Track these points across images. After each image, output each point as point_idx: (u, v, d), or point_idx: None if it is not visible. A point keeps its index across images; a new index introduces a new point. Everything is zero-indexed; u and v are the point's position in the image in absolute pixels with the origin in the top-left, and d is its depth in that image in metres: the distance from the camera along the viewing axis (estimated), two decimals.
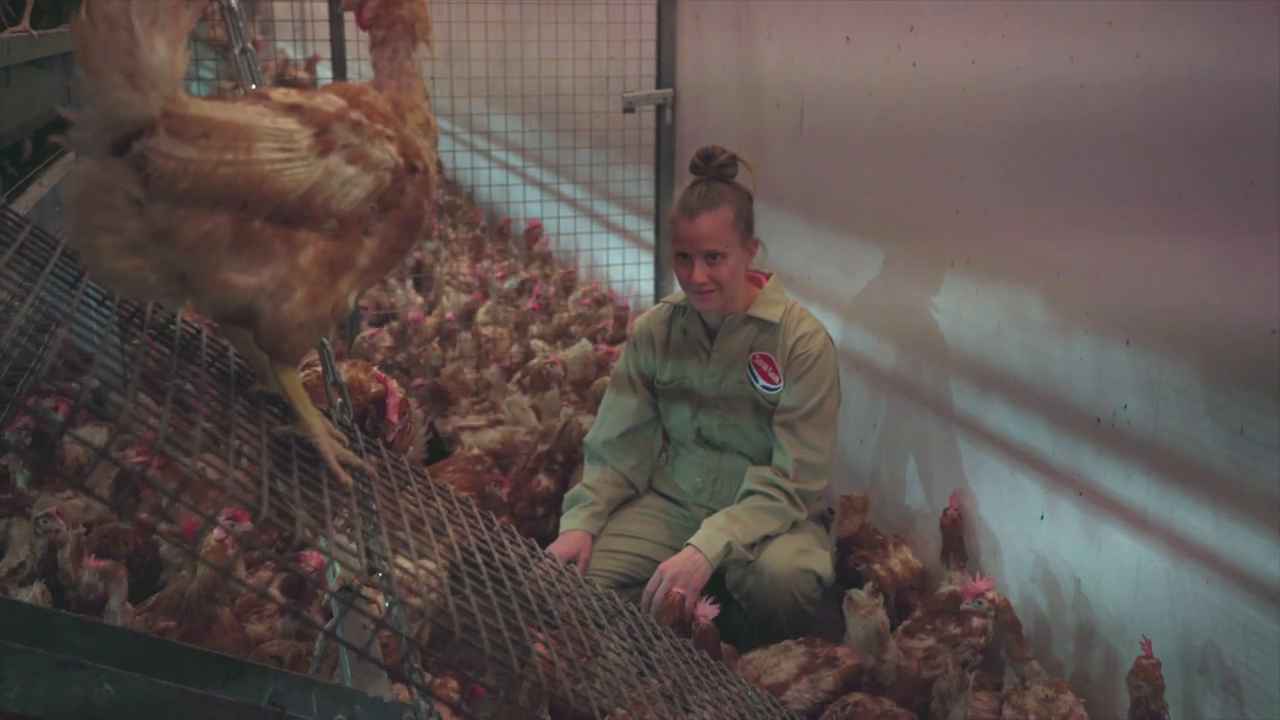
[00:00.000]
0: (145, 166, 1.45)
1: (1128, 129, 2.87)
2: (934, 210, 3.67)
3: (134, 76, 1.41)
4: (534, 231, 7.21)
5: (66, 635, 1.70)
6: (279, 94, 1.64)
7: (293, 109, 1.60)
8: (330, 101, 1.65)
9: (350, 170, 1.60)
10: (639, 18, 5.72)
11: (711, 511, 3.51)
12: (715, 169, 3.42)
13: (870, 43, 3.97)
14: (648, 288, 6.08)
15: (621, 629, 1.88)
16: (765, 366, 3.48)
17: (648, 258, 6.10)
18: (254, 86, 1.83)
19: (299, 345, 1.65)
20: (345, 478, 1.63)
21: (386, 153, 1.66)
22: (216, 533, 2.99)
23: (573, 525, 3.56)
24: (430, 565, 1.53)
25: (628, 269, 6.18)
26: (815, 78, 4.40)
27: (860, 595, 3.14)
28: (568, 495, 3.73)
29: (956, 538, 3.50)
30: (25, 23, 3.44)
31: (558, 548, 3.46)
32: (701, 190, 3.39)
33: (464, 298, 6.20)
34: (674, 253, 3.46)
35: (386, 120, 1.69)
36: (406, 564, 1.47)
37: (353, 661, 1.90)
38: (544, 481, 4.00)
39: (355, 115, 1.64)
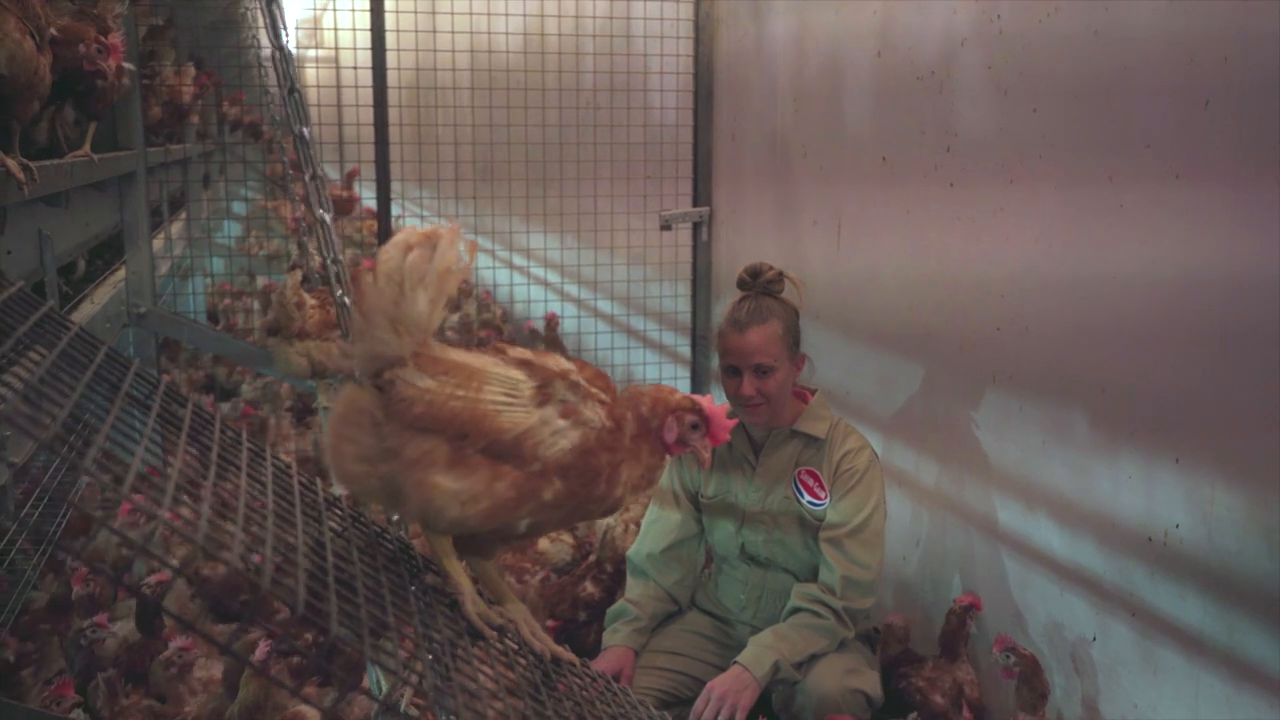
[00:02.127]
0: (390, 391, 1.70)
1: (1170, 248, 2.90)
2: (974, 327, 3.68)
3: (395, 322, 1.69)
4: (552, 322, 7.46)
5: None
6: (515, 351, 1.89)
7: (523, 363, 1.83)
8: (558, 362, 1.88)
9: (562, 423, 1.78)
10: (675, 138, 5.85)
11: (756, 629, 3.46)
12: (763, 285, 3.47)
13: (907, 162, 4.04)
14: None
15: None
16: (811, 482, 3.47)
17: (684, 373, 6.13)
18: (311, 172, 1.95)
19: (458, 530, 1.84)
20: (490, 633, 1.80)
21: (596, 413, 1.83)
22: (260, 653, 2.99)
23: (616, 641, 3.52)
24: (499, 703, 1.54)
25: (665, 384, 6.20)
26: (851, 197, 4.47)
27: None
28: (610, 610, 3.69)
29: (1036, 678, 3.27)
30: (86, 148, 3.55)
31: (600, 663, 3.41)
32: (750, 305, 3.44)
33: None
34: (722, 366, 3.50)
35: (605, 388, 1.88)
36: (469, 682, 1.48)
37: None
38: (589, 588, 3.99)
39: (576, 377, 1.84)
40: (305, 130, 2.17)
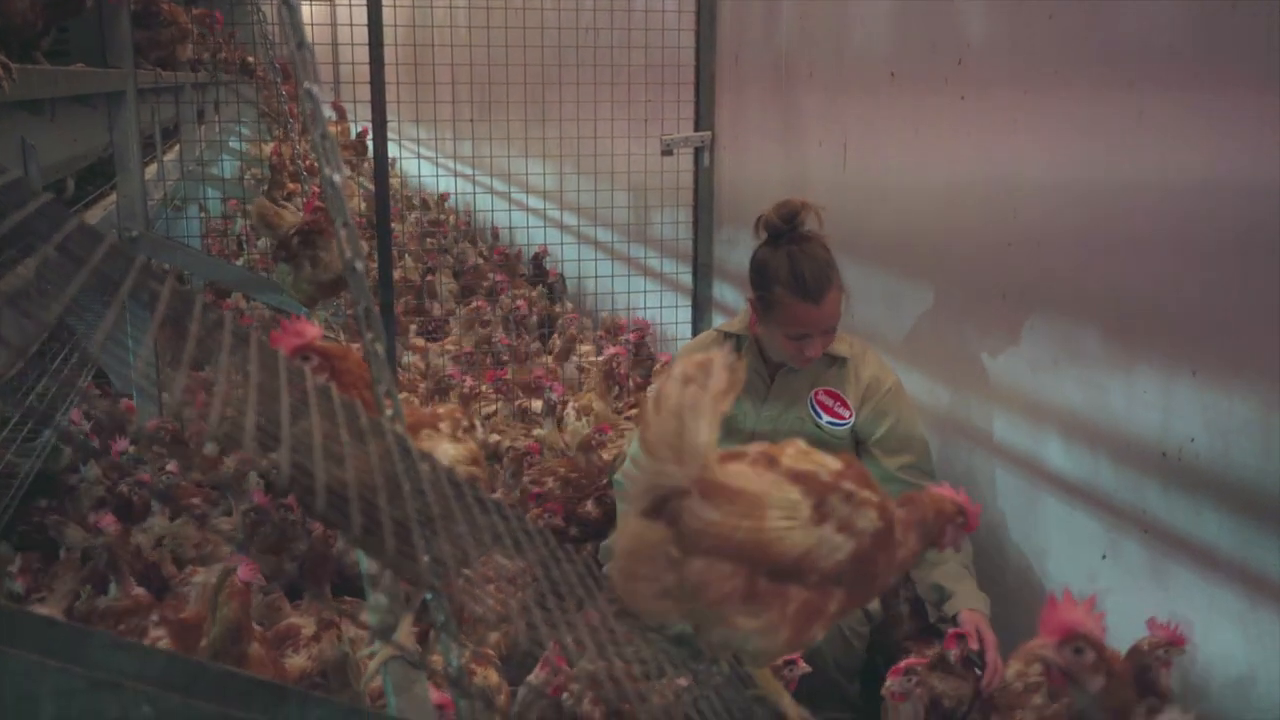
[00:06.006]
0: (677, 523, 1.75)
1: (1191, 156, 2.80)
2: (984, 245, 3.59)
3: (678, 453, 1.73)
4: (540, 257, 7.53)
5: (103, 655, 1.63)
6: (789, 458, 1.89)
7: (798, 478, 1.85)
8: (826, 466, 1.90)
9: (838, 538, 1.83)
10: (677, 60, 5.71)
11: None
12: (796, 226, 3.26)
13: (916, 77, 3.93)
14: (685, 330, 6.01)
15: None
16: (830, 402, 3.38)
17: (685, 301, 6.04)
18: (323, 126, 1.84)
19: (769, 659, 1.99)
20: None
21: (868, 520, 1.88)
22: (242, 573, 2.94)
23: None
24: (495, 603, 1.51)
25: (665, 313, 6.13)
26: (858, 115, 4.36)
27: (896, 685, 3.03)
28: (604, 546, 3.64)
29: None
30: None
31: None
32: (809, 266, 3.22)
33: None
34: (785, 333, 3.30)
35: (873, 487, 1.92)
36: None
37: (397, 690, 1.85)
38: (590, 508, 3.95)
39: (848, 486, 1.87)
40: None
